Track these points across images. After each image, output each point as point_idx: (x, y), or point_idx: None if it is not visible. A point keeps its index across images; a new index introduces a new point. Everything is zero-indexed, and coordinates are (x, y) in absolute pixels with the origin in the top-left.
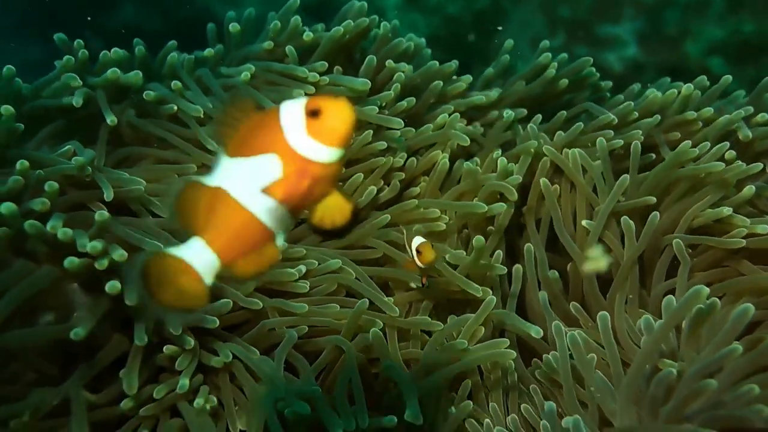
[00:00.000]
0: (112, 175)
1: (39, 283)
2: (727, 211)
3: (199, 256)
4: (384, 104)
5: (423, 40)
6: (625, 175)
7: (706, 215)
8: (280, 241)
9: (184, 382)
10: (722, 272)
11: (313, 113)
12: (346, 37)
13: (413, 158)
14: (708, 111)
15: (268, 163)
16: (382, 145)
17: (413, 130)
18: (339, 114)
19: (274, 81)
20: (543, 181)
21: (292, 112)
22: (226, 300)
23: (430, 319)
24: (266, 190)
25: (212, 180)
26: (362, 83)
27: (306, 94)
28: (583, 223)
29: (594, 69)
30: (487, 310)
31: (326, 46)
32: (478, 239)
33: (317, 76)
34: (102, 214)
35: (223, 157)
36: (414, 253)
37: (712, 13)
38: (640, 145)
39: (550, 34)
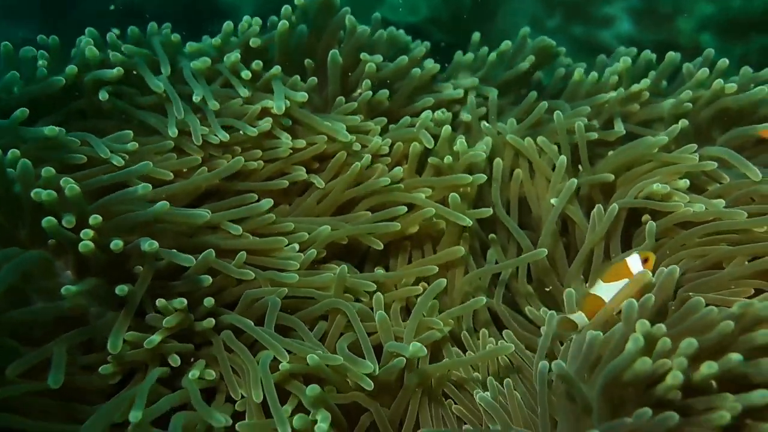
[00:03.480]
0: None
1: (29, 264)
2: (664, 188)
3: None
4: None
5: (402, 31)
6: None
7: (647, 191)
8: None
9: (154, 338)
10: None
11: (645, 260)
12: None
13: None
14: (646, 83)
15: (623, 283)
16: (368, 160)
17: (385, 120)
18: (652, 258)
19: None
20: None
21: (635, 261)
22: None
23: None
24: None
25: (596, 290)
26: (279, 108)
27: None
28: (552, 201)
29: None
30: (475, 306)
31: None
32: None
33: (249, 74)
34: (72, 188)
35: (600, 282)
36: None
37: None
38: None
39: (547, 15)
